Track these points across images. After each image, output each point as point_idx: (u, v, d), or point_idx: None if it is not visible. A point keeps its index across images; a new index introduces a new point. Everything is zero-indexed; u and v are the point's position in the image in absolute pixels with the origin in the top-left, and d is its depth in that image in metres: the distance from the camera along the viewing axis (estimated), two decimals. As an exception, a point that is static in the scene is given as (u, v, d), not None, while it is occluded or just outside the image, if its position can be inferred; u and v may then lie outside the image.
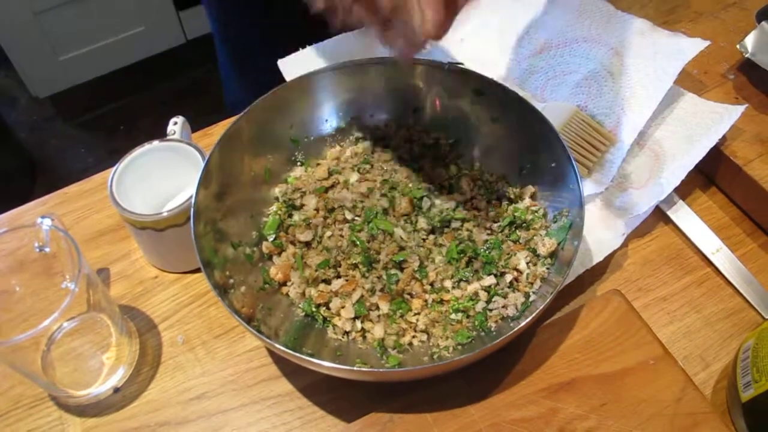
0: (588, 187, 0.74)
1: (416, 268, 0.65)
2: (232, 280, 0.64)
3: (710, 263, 0.73)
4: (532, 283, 0.65)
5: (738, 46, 0.82)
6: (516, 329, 0.55)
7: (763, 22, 0.82)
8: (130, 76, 2.38)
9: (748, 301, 0.70)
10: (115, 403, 0.66)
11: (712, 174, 0.80)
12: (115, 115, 2.39)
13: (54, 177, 2.21)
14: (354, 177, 0.72)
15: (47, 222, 0.63)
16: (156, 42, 2.34)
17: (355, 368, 0.56)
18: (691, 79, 0.84)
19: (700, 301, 0.71)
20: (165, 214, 0.67)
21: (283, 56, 0.84)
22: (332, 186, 0.72)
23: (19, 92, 2.37)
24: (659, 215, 0.77)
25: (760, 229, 0.76)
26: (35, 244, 0.64)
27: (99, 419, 0.65)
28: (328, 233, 0.68)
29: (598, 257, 0.70)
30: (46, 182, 2.19)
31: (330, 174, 0.73)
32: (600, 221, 0.73)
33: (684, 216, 0.76)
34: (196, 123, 0.87)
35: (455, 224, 0.68)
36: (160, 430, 0.64)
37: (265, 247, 0.70)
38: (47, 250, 0.64)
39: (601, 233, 0.72)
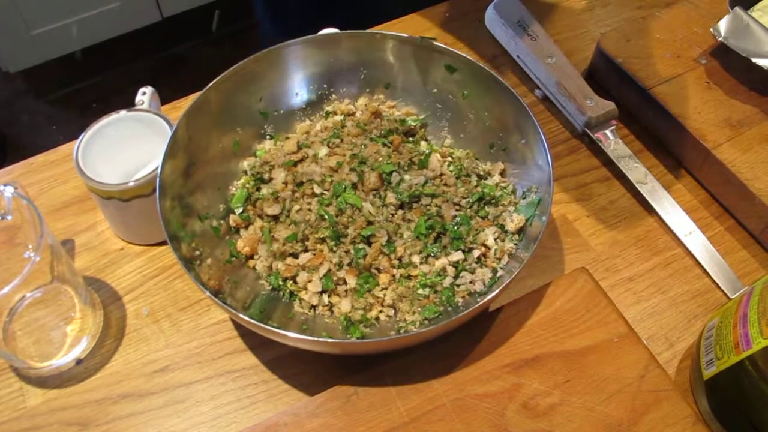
0: None
1: (384, 243, 0.65)
2: (198, 253, 0.63)
3: (677, 245, 0.74)
4: (499, 259, 0.65)
5: (711, 30, 0.82)
6: (481, 303, 0.55)
7: (736, 8, 0.82)
8: (105, 53, 2.35)
9: (715, 283, 0.71)
10: (78, 374, 0.65)
11: (682, 157, 0.80)
12: (88, 93, 2.35)
13: (25, 154, 2.16)
14: (323, 151, 0.71)
15: (9, 189, 0.62)
16: (131, 19, 2.31)
17: (320, 339, 0.55)
18: (664, 63, 0.84)
19: (666, 282, 0.72)
20: (131, 184, 0.66)
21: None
22: (301, 160, 0.71)
23: (-11, 67, 2.32)
24: (630, 195, 0.78)
25: (727, 213, 0.76)
26: (-3, 212, 0.63)
27: (60, 391, 0.64)
28: (297, 207, 0.67)
29: None
30: (17, 160, 2.15)
31: (299, 148, 0.72)
32: None
33: (659, 198, 0.76)
34: (171, 103, 0.86)
35: (424, 200, 0.67)
36: (123, 402, 0.64)
37: (233, 220, 0.69)
38: (9, 218, 0.63)
39: None
